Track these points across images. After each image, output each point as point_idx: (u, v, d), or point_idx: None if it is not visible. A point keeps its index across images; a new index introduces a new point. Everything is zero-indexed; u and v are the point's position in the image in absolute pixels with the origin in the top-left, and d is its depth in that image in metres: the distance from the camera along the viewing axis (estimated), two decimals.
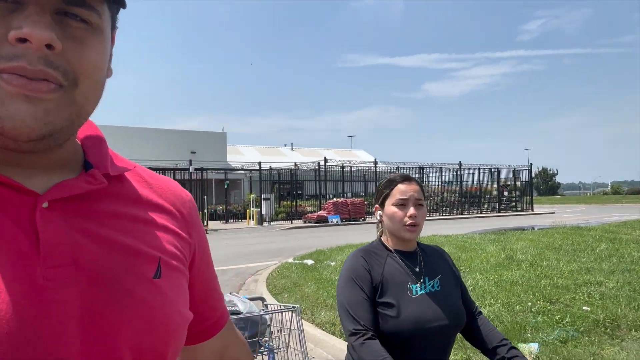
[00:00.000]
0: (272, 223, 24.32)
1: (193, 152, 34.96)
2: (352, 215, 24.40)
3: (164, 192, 0.70)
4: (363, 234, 15.58)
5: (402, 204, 1.58)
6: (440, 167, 30.27)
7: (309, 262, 9.13)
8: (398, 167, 29.53)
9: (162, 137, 34.89)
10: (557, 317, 4.80)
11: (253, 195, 24.83)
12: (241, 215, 28.01)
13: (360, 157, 45.48)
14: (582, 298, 5.46)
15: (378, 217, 1.68)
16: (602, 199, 55.77)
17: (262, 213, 23.92)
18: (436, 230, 15.46)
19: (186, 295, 0.65)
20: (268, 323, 2.57)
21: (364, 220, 24.55)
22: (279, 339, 2.64)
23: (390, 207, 1.60)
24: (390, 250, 1.61)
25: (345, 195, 31.14)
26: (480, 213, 30.01)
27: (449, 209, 30.41)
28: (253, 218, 24.12)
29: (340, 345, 4.44)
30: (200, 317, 0.74)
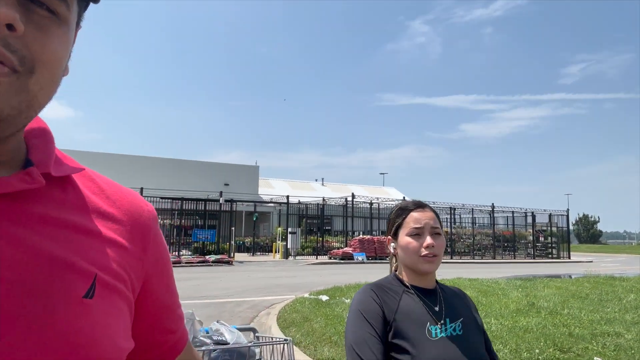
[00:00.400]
0: (297, 257, 24.35)
1: (226, 184, 35.86)
2: (378, 254, 24.11)
3: (118, 200, 0.62)
4: (387, 272, 15.36)
5: (417, 234, 1.43)
6: (472, 209, 29.66)
7: (324, 297, 9.11)
8: None
9: (198, 169, 36.04)
10: None
11: (280, 229, 25.03)
12: (268, 248, 28.18)
13: (390, 195, 45.21)
14: (595, 348, 5.23)
15: (391, 250, 1.53)
16: None
17: (288, 247, 24.02)
18: (463, 273, 15.10)
19: (126, 321, 0.58)
20: (258, 357, 2.39)
21: None
22: None
23: (404, 238, 1.45)
24: (407, 286, 1.44)
25: (372, 232, 30.91)
26: (514, 258, 28.99)
27: (481, 253, 29.55)
28: (279, 251, 24.23)
29: None
30: (154, 343, 0.67)
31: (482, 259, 28.05)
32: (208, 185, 33.07)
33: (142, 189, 21.20)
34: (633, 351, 5.11)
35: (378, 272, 17.47)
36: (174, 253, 21.12)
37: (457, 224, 31.11)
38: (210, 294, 10.61)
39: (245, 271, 17.34)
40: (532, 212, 30.89)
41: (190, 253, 21.36)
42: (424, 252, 1.40)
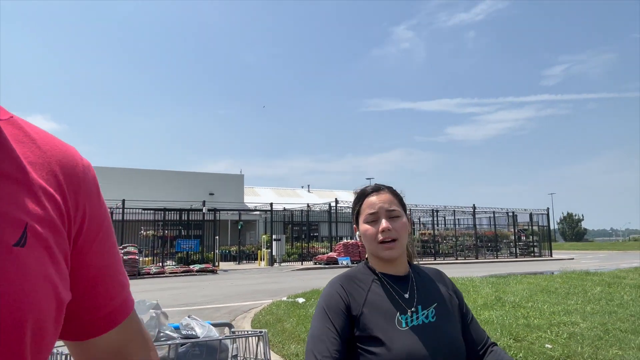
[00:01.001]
0: (282, 264, 24.46)
1: (211, 194, 35.90)
2: (362, 257, 24.12)
3: (50, 150, 0.60)
4: None
5: (373, 220, 1.37)
6: (454, 210, 30.10)
7: (301, 300, 9.30)
8: (410, 209, 29.52)
9: (183, 180, 36.02)
10: (516, 354, 4.89)
11: (264, 236, 25.15)
12: (254, 256, 28.25)
13: None
14: (549, 337, 5.51)
15: (357, 239, 1.47)
16: (626, 245, 53.89)
17: (273, 254, 24.14)
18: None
19: (61, 272, 0.55)
20: (234, 353, 2.31)
21: None
22: None
23: (362, 225, 1.40)
24: (377, 275, 1.38)
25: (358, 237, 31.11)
26: (497, 258, 29.44)
27: (464, 253, 29.98)
28: (264, 259, 24.34)
29: None
30: (90, 305, 0.63)
31: (465, 259, 28.44)
32: (193, 196, 33.10)
33: (123, 200, 21.20)
34: (584, 338, 5.40)
35: None
36: (158, 264, 21.11)
37: (438, 225, 31.52)
38: (190, 302, 10.73)
39: (228, 279, 17.43)
40: (513, 212, 31.45)
41: (174, 263, 21.36)
42: (380, 237, 1.34)
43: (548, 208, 32.00)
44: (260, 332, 2.37)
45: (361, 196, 1.45)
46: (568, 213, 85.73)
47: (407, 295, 1.34)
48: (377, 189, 1.44)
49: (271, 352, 5.58)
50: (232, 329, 2.53)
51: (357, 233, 1.45)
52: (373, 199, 1.40)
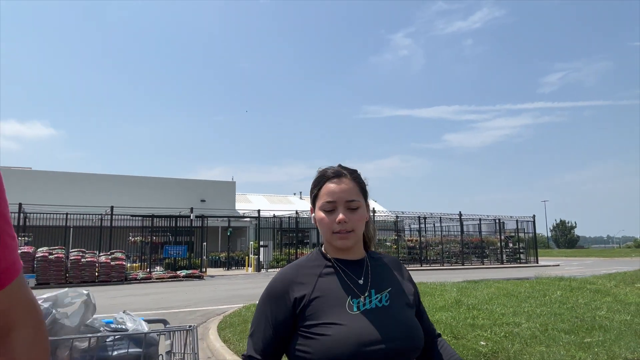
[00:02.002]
0: (269, 270, 24.82)
1: (203, 201, 36.24)
2: None
3: None
4: None
5: (330, 209, 1.32)
6: (440, 217, 30.55)
7: None
8: (397, 216, 29.96)
9: (175, 186, 36.36)
10: None
11: (252, 243, 25.52)
12: (243, 263, 28.58)
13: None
14: (487, 335, 5.92)
15: (312, 221, 1.41)
16: (614, 252, 54.39)
17: (260, 260, 24.50)
18: (424, 278, 15.78)
19: None
20: (167, 349, 2.36)
21: None
22: None
23: (318, 212, 1.35)
24: (329, 260, 1.35)
25: None
26: (482, 264, 29.86)
27: (451, 260, 30.38)
28: (251, 265, 24.69)
29: None
30: None
31: (451, 265, 28.84)
32: (185, 202, 33.42)
33: (112, 207, 21.57)
34: (519, 337, 5.81)
35: None
36: (145, 270, 21.43)
37: (427, 232, 31.94)
38: (169, 305, 11.08)
39: (213, 284, 17.77)
40: (499, 219, 31.90)
41: (162, 269, 21.68)
42: (336, 228, 1.30)
43: (534, 215, 32.49)
44: (190, 326, 2.40)
45: (321, 179, 1.38)
46: (561, 220, 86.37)
47: (361, 281, 1.31)
48: (339, 174, 1.36)
49: (228, 350, 5.97)
50: (167, 325, 2.54)
51: (313, 215, 1.39)
52: (333, 186, 1.34)
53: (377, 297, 1.29)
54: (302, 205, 42.56)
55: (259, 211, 25.95)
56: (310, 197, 1.42)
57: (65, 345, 2.02)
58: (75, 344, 2.05)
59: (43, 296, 2.06)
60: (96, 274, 18.29)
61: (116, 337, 2.14)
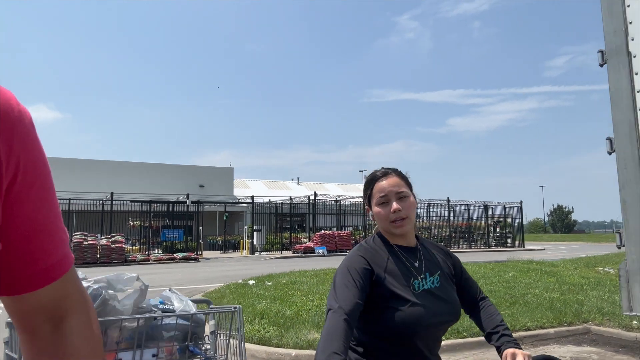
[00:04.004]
0: (262, 253, 26.05)
1: (202, 186, 37.41)
2: (338, 247, 25.92)
3: None
4: (337, 262, 17.14)
5: (383, 202, 1.56)
6: (428, 203, 31.60)
7: (251, 282, 10.82)
8: None
9: (175, 172, 37.53)
10: None
11: (246, 227, 26.72)
12: (239, 246, 29.84)
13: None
14: None
15: (370, 218, 1.65)
16: (602, 237, 55.35)
17: (254, 243, 25.71)
18: None
19: None
20: (212, 330, 2.43)
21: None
22: (218, 345, 2.47)
23: (375, 208, 1.59)
24: (391, 246, 1.59)
25: (346, 227, 32.81)
26: (469, 248, 30.98)
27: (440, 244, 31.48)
28: (246, 248, 25.92)
29: None
30: (25, 259, 0.61)
31: None
32: (185, 188, 34.59)
33: (112, 193, 22.75)
34: None
35: (328, 262, 19.20)
36: (144, 252, 22.69)
37: (419, 219, 33.00)
38: (159, 284, 12.23)
39: (207, 266, 18.98)
40: (486, 205, 32.92)
41: (160, 252, 22.93)
42: (392, 217, 1.53)
43: (521, 201, 33.47)
44: (235, 307, 2.47)
45: (371, 181, 1.62)
46: (558, 205, 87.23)
47: (417, 264, 1.56)
48: (386, 173, 1.61)
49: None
50: (211, 306, 2.63)
51: (370, 213, 1.62)
52: (383, 183, 1.58)
53: (430, 280, 1.55)
54: (299, 190, 43.71)
55: (252, 197, 27.11)
56: (365, 199, 1.67)
57: (115, 326, 2.11)
58: (124, 324, 2.14)
59: (93, 278, 2.20)
60: (97, 256, 19.53)
61: (164, 317, 2.20)
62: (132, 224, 24.39)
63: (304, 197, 31.24)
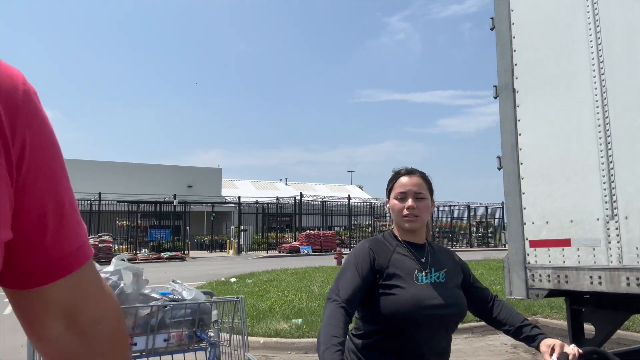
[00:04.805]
0: (249, 252, 26.57)
1: (190, 186, 37.77)
2: (323, 247, 26.52)
3: None
4: (320, 261, 17.74)
5: (401, 197, 1.65)
6: None
7: (233, 280, 11.37)
8: (371, 203, 31.71)
9: (164, 172, 37.84)
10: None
11: (233, 227, 27.22)
12: (226, 245, 30.30)
13: (351, 193, 47.81)
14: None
15: (387, 210, 1.75)
16: None
17: (241, 243, 26.21)
18: None
19: (3, 207, 0.50)
20: (215, 319, 2.55)
21: (334, 250, 26.61)
22: (221, 333, 2.60)
23: (392, 200, 1.69)
24: (400, 241, 1.67)
25: (333, 228, 33.47)
26: (452, 247, 31.78)
27: None
28: (232, 248, 26.41)
29: None
30: (37, 248, 0.55)
31: None
32: (173, 188, 34.93)
33: (100, 193, 23.11)
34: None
35: (314, 262, 19.77)
36: (132, 251, 23.09)
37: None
38: None
39: (193, 265, 19.44)
40: (469, 205, 33.77)
41: (147, 251, 23.35)
42: (405, 212, 1.63)
43: (503, 202, 34.36)
44: (237, 297, 2.57)
45: (395, 176, 1.72)
46: None
47: (423, 260, 1.63)
48: (410, 172, 1.71)
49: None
50: (213, 296, 2.76)
51: (388, 206, 1.74)
52: (405, 180, 1.68)
53: (436, 275, 1.61)
54: (287, 191, 44.21)
55: (239, 197, 27.63)
56: (387, 191, 1.76)
57: (130, 313, 2.23)
58: (138, 311, 2.26)
59: (107, 269, 2.31)
60: None
61: (174, 305, 2.33)
62: (119, 223, 24.76)
63: (291, 197, 31.77)
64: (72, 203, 0.60)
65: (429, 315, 1.50)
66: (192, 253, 26.07)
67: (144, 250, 23.90)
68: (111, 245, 20.67)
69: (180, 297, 2.40)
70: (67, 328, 0.60)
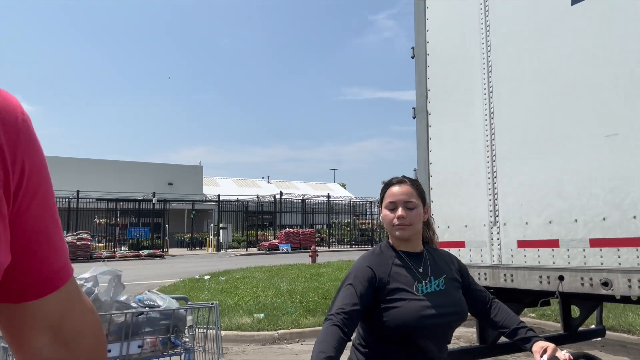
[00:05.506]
0: (228, 250, 26.88)
1: (170, 184, 37.83)
2: (302, 244, 26.95)
3: None
4: (297, 259, 18.16)
5: (392, 208, 1.66)
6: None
7: (207, 277, 11.73)
8: (350, 201, 32.27)
9: (144, 170, 37.81)
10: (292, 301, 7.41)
11: (212, 225, 27.49)
12: (206, 243, 30.54)
13: (333, 191, 48.34)
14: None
15: (381, 220, 1.74)
16: None
17: (220, 241, 26.50)
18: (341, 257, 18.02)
19: (3, 234, 0.53)
20: (190, 324, 2.58)
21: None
22: (195, 339, 2.62)
23: (383, 210, 1.70)
24: (397, 252, 1.67)
25: (315, 226, 33.96)
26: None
27: None
28: (212, 245, 26.68)
29: None
30: (27, 268, 0.59)
31: None
32: (153, 185, 34.96)
33: (78, 191, 23.17)
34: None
35: (289, 258, 20.21)
36: (110, 249, 23.22)
37: (379, 216, 34.35)
38: (122, 280, 12.99)
39: (171, 263, 19.70)
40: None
41: (126, 249, 23.50)
42: (396, 222, 1.64)
43: None
44: (212, 303, 2.61)
45: (386, 186, 1.74)
46: None
47: (421, 270, 1.64)
48: (401, 181, 1.72)
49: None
50: (189, 302, 2.81)
51: (382, 215, 1.74)
52: (395, 189, 1.69)
53: (435, 283, 1.63)
54: (268, 189, 44.51)
55: (219, 196, 27.91)
56: (379, 202, 1.78)
57: (104, 320, 2.24)
58: (112, 318, 2.28)
59: (83, 276, 2.33)
60: None
61: (149, 312, 2.35)
62: (98, 221, 24.83)
63: (271, 196, 32.14)
64: (58, 221, 0.64)
65: (431, 324, 1.54)
66: (172, 251, 26.28)
67: (123, 248, 24.03)
68: (89, 243, 20.80)
69: (155, 304, 2.48)
70: (51, 340, 0.64)
